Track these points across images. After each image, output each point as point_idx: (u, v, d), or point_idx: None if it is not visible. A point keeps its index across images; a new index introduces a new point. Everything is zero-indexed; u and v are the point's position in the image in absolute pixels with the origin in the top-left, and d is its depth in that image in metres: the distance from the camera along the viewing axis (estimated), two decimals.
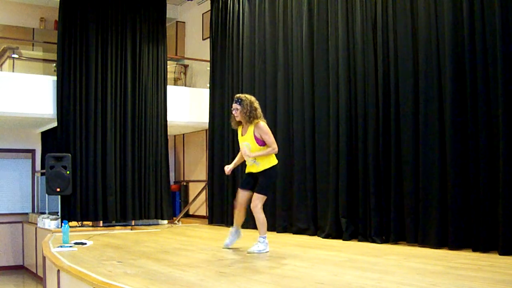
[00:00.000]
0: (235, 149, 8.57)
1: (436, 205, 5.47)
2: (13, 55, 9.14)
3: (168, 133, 9.19)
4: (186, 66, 10.70)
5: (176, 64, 10.55)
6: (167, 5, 9.43)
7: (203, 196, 10.10)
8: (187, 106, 9.53)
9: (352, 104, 6.56)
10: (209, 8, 9.52)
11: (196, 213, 10.55)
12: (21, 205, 9.91)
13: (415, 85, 5.83)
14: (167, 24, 9.73)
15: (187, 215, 10.45)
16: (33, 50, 9.99)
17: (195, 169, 10.70)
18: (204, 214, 10.04)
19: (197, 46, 10.86)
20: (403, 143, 5.89)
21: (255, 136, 5.12)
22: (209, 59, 9.39)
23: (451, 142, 5.36)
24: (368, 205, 6.17)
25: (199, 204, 10.40)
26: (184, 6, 11.24)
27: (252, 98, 5.23)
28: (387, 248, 5.60)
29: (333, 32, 6.83)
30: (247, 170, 5.37)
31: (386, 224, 6.01)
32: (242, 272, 4.16)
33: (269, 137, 5.13)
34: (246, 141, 5.19)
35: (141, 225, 8.71)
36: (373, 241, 6.01)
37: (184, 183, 10.89)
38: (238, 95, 5.29)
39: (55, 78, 8.24)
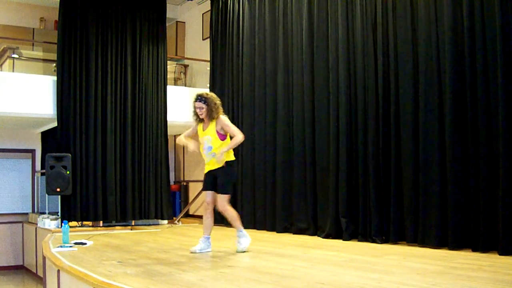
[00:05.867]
0: (235, 148, 8.53)
1: (436, 205, 5.47)
2: (13, 55, 9.13)
3: (168, 133, 9.19)
4: (186, 66, 10.70)
5: (176, 64, 10.54)
6: (167, 5, 9.43)
7: (203, 196, 10.08)
8: (187, 106, 9.51)
9: (352, 104, 6.56)
10: (209, 8, 9.52)
11: (196, 213, 10.54)
12: (21, 205, 9.90)
13: (415, 85, 5.83)
14: (167, 24, 9.73)
15: (187, 215, 10.45)
16: (33, 50, 9.98)
17: (195, 169, 10.70)
18: None
19: (197, 46, 10.86)
20: (403, 143, 5.89)
21: (217, 130, 5.19)
22: (209, 59, 9.39)
23: (451, 142, 5.36)
24: (368, 205, 6.17)
25: (199, 204, 10.39)
26: (184, 6, 11.24)
27: (214, 95, 5.29)
28: (387, 248, 5.60)
29: (333, 32, 6.83)
30: (205, 170, 5.36)
31: (386, 224, 6.01)
32: (242, 272, 4.16)
33: (232, 127, 5.19)
34: (208, 135, 5.23)
35: (141, 225, 8.70)
36: (373, 241, 6.01)
37: (184, 183, 10.89)
38: (200, 93, 5.29)
39: (55, 78, 8.24)
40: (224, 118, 5.21)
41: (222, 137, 5.21)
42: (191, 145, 5.33)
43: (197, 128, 5.40)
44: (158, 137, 8.93)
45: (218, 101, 5.25)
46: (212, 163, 5.26)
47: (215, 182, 5.26)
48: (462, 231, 5.24)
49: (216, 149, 5.18)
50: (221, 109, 5.26)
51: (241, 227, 5.37)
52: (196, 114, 5.28)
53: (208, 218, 5.33)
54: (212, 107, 5.16)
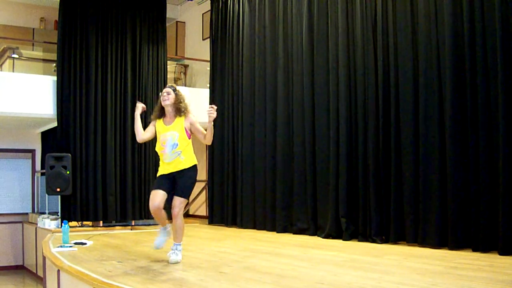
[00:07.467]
0: (235, 148, 8.58)
1: (436, 205, 5.48)
2: (13, 55, 9.13)
3: None
4: (186, 66, 10.70)
5: (176, 64, 10.55)
6: (167, 5, 9.42)
7: (203, 196, 10.10)
8: None
9: (352, 104, 6.56)
10: (209, 8, 9.52)
11: (196, 213, 10.54)
12: (21, 205, 9.90)
13: (415, 85, 5.84)
14: (167, 24, 9.72)
15: (187, 215, 10.45)
16: (33, 50, 9.98)
17: None
18: (204, 214, 10.04)
19: (197, 46, 10.86)
20: (403, 143, 5.89)
21: (185, 128, 4.82)
22: (209, 59, 9.39)
23: (451, 142, 5.36)
24: (368, 205, 6.17)
25: (199, 204, 10.40)
26: (184, 6, 11.25)
27: (184, 95, 4.97)
28: (387, 248, 5.60)
29: (333, 32, 6.83)
30: (162, 171, 4.80)
31: (386, 224, 6.01)
32: (242, 272, 4.16)
33: (201, 128, 4.86)
34: (174, 130, 4.78)
35: (141, 225, 8.70)
36: (373, 241, 6.01)
37: None
38: (173, 84, 4.99)
39: (55, 78, 8.23)
40: (195, 118, 4.87)
41: (189, 135, 4.87)
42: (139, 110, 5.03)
43: (155, 125, 4.97)
44: None
45: (187, 101, 4.92)
46: (174, 164, 4.74)
47: (171, 185, 4.74)
48: (462, 231, 5.25)
49: (182, 147, 4.74)
50: (189, 110, 4.91)
51: (181, 242, 4.78)
52: (159, 104, 4.94)
53: (160, 215, 4.74)
54: (180, 99, 4.83)
